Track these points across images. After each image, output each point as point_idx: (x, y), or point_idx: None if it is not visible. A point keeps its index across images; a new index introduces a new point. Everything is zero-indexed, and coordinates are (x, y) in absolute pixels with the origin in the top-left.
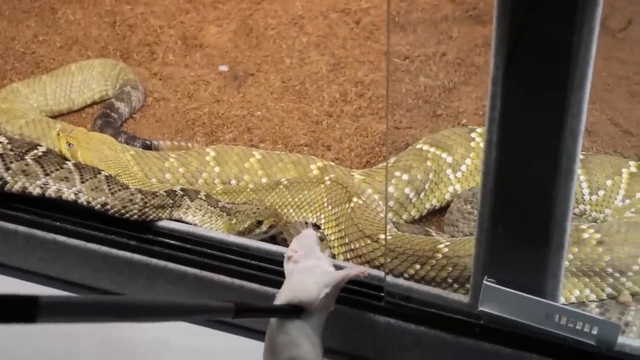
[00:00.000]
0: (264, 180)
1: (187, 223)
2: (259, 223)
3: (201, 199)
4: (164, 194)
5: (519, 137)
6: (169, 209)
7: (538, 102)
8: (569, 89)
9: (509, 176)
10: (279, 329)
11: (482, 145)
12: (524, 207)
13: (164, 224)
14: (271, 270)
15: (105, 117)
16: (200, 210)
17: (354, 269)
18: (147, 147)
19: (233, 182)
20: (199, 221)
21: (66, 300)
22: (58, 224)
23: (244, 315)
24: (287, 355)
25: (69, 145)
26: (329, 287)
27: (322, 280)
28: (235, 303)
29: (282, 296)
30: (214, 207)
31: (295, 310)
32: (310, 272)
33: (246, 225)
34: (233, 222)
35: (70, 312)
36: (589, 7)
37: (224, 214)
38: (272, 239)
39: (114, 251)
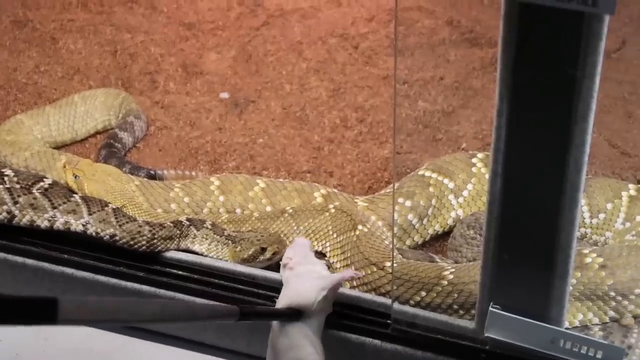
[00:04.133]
0: (268, 208)
1: (194, 252)
2: (263, 250)
3: (207, 228)
4: (171, 224)
5: (523, 167)
6: (177, 239)
7: (543, 133)
8: (573, 121)
9: (514, 205)
10: (280, 332)
11: (482, 170)
12: (529, 235)
13: (172, 254)
14: None
15: (109, 147)
16: (206, 239)
17: (348, 272)
18: (152, 176)
19: (238, 210)
20: (206, 250)
21: (85, 301)
22: (66, 256)
23: (247, 319)
24: (290, 357)
25: (75, 177)
26: (326, 290)
27: (318, 284)
28: (240, 307)
29: (282, 302)
30: (220, 236)
31: (295, 314)
32: (306, 277)
33: (250, 253)
34: (237, 249)
35: (88, 313)
36: (592, 42)
37: (229, 242)
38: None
39: (123, 283)
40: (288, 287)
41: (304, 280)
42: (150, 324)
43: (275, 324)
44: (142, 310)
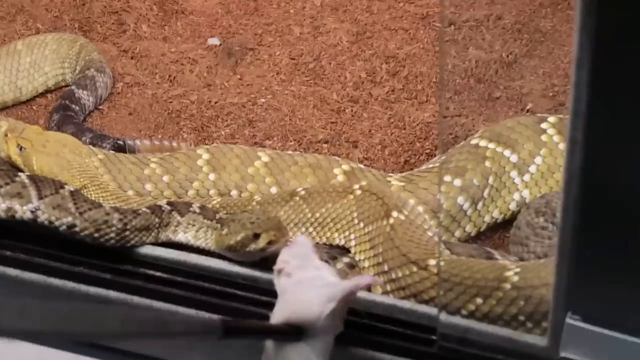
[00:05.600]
0: (273, 190)
1: (178, 243)
2: (256, 236)
3: (194, 212)
4: (148, 211)
5: (612, 134)
6: (155, 230)
7: (636, 89)
8: None
9: (599, 183)
10: (277, 355)
11: (555, 139)
12: (618, 223)
13: (147, 250)
14: None
15: (63, 109)
16: (193, 225)
17: (364, 278)
18: (120, 148)
19: (234, 193)
20: (192, 238)
21: (26, 306)
22: (9, 253)
23: (234, 336)
24: None
25: (20, 149)
26: (335, 302)
27: (324, 293)
28: (223, 321)
29: (277, 317)
30: (211, 220)
31: (295, 332)
32: (309, 285)
33: (239, 238)
34: (224, 232)
35: (31, 323)
36: None
37: (220, 225)
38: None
39: (84, 287)
40: (285, 298)
41: (306, 288)
42: (110, 339)
43: (269, 344)
44: (98, 321)
